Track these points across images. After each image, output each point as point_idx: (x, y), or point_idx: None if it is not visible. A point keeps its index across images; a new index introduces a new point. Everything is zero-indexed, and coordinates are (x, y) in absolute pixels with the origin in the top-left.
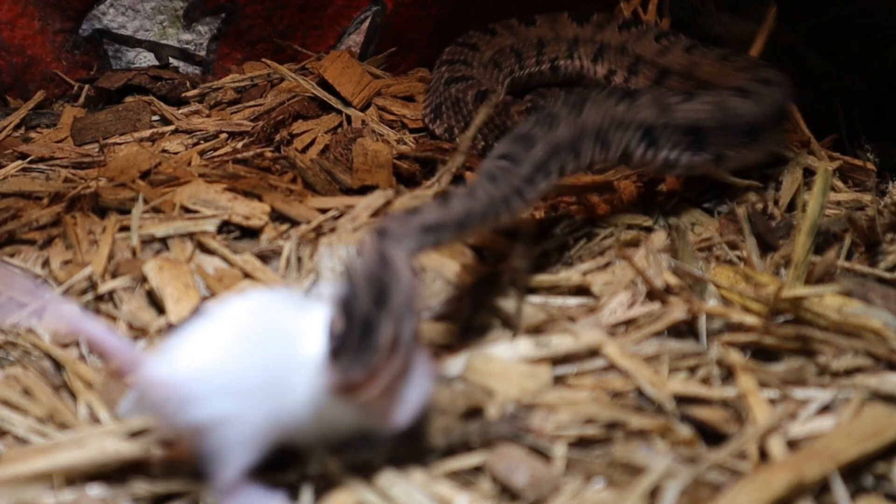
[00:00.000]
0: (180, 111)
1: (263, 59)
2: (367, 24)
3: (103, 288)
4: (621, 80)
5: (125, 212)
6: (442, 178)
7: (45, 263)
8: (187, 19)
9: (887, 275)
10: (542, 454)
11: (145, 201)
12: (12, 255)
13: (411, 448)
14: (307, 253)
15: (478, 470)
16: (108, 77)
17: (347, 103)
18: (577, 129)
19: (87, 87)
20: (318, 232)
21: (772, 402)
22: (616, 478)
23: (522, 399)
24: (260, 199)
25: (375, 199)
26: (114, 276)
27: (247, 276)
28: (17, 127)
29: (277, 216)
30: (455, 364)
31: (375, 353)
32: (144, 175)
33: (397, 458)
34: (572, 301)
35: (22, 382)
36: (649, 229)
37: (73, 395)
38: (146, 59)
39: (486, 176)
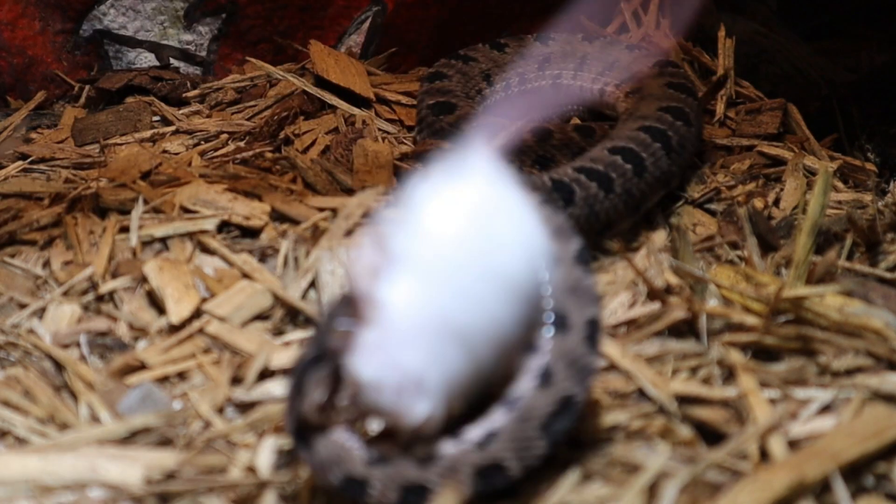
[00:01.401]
0: (181, 112)
1: (249, 59)
2: (367, 24)
3: (104, 288)
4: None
5: (126, 212)
6: None
7: (46, 264)
8: (188, 20)
9: (888, 275)
10: None
11: (146, 202)
12: (13, 256)
13: None
14: (304, 252)
15: None
16: (108, 78)
17: (357, 99)
18: None
19: (87, 87)
20: (316, 231)
21: (772, 402)
22: (614, 476)
23: None
24: (260, 199)
25: (367, 198)
26: (114, 276)
27: (245, 276)
28: (17, 127)
29: (278, 216)
30: None
31: None
32: (145, 176)
33: None
34: None
35: (23, 383)
36: (650, 230)
37: (73, 396)
38: (147, 59)
39: None
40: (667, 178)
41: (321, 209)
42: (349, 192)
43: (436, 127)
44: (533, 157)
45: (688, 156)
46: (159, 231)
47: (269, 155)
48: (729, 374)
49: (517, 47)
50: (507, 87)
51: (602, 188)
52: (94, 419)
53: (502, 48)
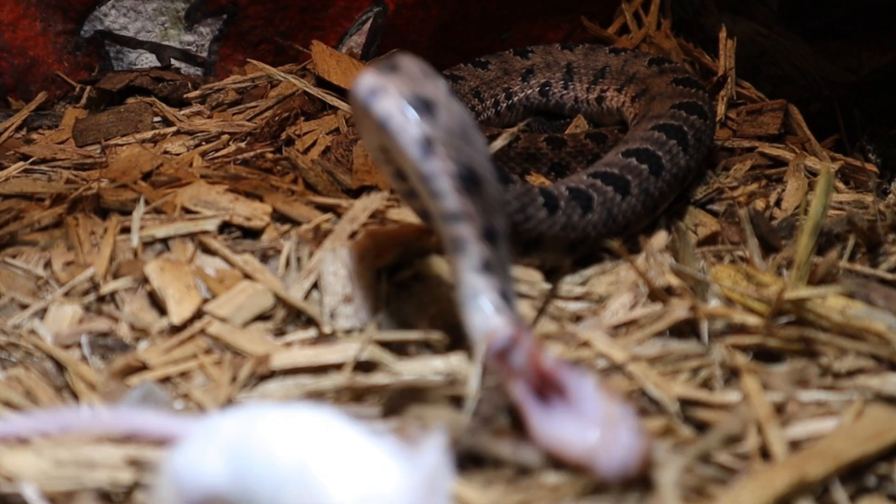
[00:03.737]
0: (182, 112)
1: (250, 60)
2: (368, 25)
3: (105, 289)
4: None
5: (127, 213)
6: None
7: (47, 265)
8: (189, 20)
9: (889, 276)
10: None
11: (147, 202)
12: (14, 257)
13: None
14: (306, 253)
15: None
16: (109, 78)
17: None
18: None
19: (88, 88)
20: (318, 232)
21: (775, 404)
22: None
23: None
24: (261, 199)
25: (373, 201)
26: (115, 277)
27: (247, 276)
28: (18, 128)
29: (279, 217)
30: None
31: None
32: (146, 176)
33: None
34: (573, 306)
35: (24, 384)
36: (651, 231)
37: (75, 396)
38: (148, 60)
39: None
40: (684, 175)
41: (323, 210)
42: (350, 192)
43: None
44: (548, 164)
45: (704, 150)
46: (160, 232)
47: (269, 156)
48: (731, 375)
49: (499, 63)
50: (497, 103)
51: (618, 191)
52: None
53: (485, 66)
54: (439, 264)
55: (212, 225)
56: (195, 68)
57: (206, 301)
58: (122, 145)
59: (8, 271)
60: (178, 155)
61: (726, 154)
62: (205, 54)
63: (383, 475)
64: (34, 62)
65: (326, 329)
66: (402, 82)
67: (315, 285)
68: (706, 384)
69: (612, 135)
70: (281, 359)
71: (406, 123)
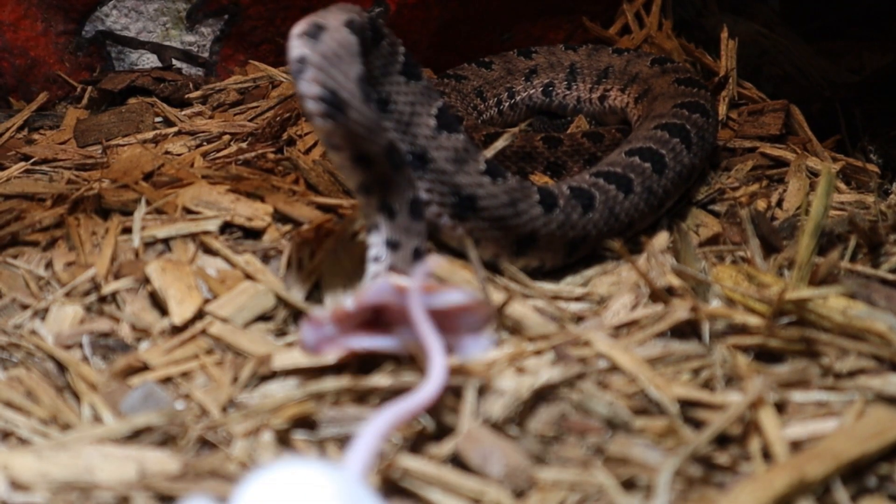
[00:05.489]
0: (183, 113)
1: (251, 61)
2: None
3: (106, 289)
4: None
5: (128, 213)
6: None
7: (49, 265)
8: (190, 21)
9: (890, 276)
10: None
11: (148, 203)
12: (15, 257)
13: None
14: (308, 253)
15: None
16: (111, 79)
17: None
18: None
19: (90, 88)
20: (320, 232)
21: (776, 404)
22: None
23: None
24: (262, 200)
25: None
26: (117, 277)
27: (248, 277)
28: (20, 128)
29: (280, 217)
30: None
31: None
32: (147, 177)
33: None
34: (575, 306)
35: (25, 384)
36: (652, 231)
37: (76, 397)
38: (149, 60)
39: None
40: (689, 173)
41: (324, 210)
42: (351, 193)
43: None
44: (544, 163)
45: (708, 148)
46: (162, 232)
47: (271, 156)
48: (731, 377)
49: (503, 63)
50: (499, 102)
51: (621, 189)
52: (97, 419)
53: (489, 65)
54: (440, 265)
55: (213, 225)
56: (196, 69)
57: (207, 301)
58: (123, 146)
59: (9, 272)
60: (179, 155)
61: (728, 154)
62: (206, 55)
63: None
64: (35, 62)
65: None
66: (318, 14)
67: (316, 286)
68: (707, 385)
69: (609, 134)
70: (282, 359)
71: (293, 43)
